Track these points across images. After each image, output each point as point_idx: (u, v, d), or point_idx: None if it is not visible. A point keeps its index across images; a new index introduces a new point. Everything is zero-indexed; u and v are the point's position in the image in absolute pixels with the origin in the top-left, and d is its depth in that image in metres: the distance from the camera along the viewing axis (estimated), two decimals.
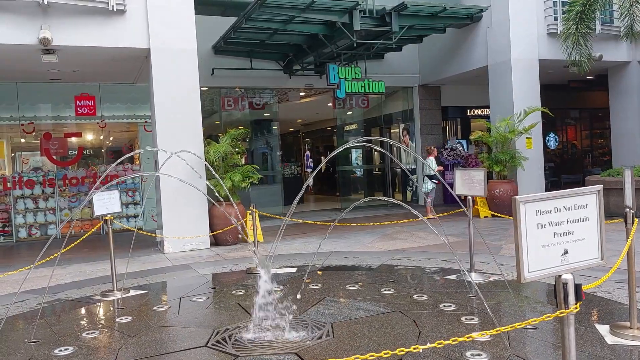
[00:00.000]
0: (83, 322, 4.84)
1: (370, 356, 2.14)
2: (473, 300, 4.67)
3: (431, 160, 11.56)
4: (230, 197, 6.02)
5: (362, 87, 11.64)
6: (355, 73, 11.49)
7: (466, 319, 4.11)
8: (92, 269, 7.46)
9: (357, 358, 2.13)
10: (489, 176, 10.78)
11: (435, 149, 12.04)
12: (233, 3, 11.05)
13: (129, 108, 12.70)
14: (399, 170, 15.60)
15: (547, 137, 15.94)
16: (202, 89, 9.55)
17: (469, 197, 5.60)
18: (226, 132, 9.65)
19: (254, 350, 3.60)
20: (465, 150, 14.54)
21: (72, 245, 6.57)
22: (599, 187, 2.15)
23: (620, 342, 3.44)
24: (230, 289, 5.66)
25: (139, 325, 4.47)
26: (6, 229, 11.53)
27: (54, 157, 12.29)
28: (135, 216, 12.31)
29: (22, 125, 11.95)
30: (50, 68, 9.62)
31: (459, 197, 5.49)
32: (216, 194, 5.51)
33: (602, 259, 2.16)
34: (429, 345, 2.33)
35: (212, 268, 7.11)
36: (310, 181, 4.65)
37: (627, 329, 3.55)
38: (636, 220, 3.65)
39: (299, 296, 4.81)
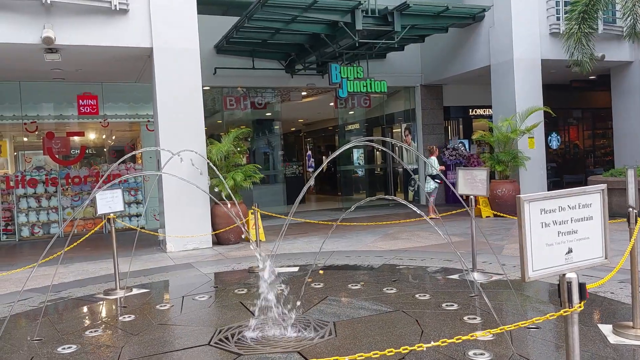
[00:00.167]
0: (86, 321, 4.85)
1: (374, 354, 2.15)
2: (475, 299, 4.67)
3: (433, 159, 11.56)
4: (232, 196, 6.03)
5: (364, 86, 11.64)
6: (358, 73, 11.49)
7: (469, 318, 4.11)
8: (95, 268, 7.47)
9: (361, 356, 2.14)
10: (491, 176, 10.78)
11: (436, 148, 12.04)
12: (235, 2, 11.06)
13: (132, 107, 12.72)
14: (400, 170, 15.59)
15: (550, 137, 15.93)
16: (204, 88, 9.56)
17: (472, 196, 5.60)
18: (228, 132, 9.67)
19: (256, 349, 3.61)
20: (468, 150, 14.53)
21: (75, 244, 6.58)
22: (603, 186, 2.15)
23: (623, 342, 3.44)
24: (232, 288, 5.67)
25: (142, 324, 4.48)
26: (9, 227, 11.55)
27: (57, 156, 12.31)
28: (138, 215, 12.33)
29: (25, 124, 11.97)
30: (53, 67, 9.64)
31: (461, 196, 5.49)
32: (217, 192, 5.52)
33: (606, 258, 2.16)
34: (432, 343, 2.33)
35: (215, 267, 7.12)
36: (312, 181, 4.65)
37: (630, 329, 3.55)
38: (639, 220, 3.64)
39: (301, 296, 4.81)
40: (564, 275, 2.03)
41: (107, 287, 5.92)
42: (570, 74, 12.47)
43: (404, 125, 15.50)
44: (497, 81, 12.10)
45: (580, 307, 2.01)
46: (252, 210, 7.47)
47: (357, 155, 17.09)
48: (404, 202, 4.45)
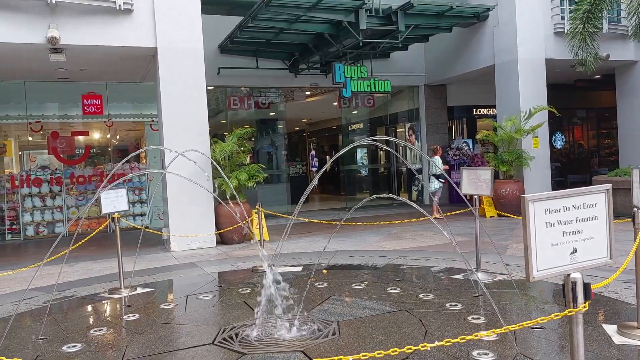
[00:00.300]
0: (91, 320, 4.87)
1: (378, 354, 2.15)
2: (479, 299, 4.67)
3: (437, 159, 11.55)
4: (236, 195, 6.04)
5: (367, 86, 11.63)
6: (361, 72, 11.48)
7: (473, 318, 4.11)
8: (100, 267, 7.50)
9: (365, 356, 2.14)
10: (495, 176, 10.76)
11: (440, 148, 12.03)
12: (239, 2, 11.07)
13: (136, 107, 12.76)
14: (404, 169, 15.58)
15: (554, 137, 15.88)
16: (208, 88, 9.58)
17: (475, 196, 5.59)
18: (232, 131, 9.68)
19: (260, 348, 3.62)
20: (471, 149, 14.51)
21: (79, 243, 6.61)
22: (608, 186, 2.14)
23: (628, 342, 3.43)
24: (236, 287, 5.68)
25: (146, 323, 4.49)
26: (14, 226, 11.60)
27: (61, 156, 12.36)
28: (142, 214, 12.36)
29: (30, 124, 12.02)
30: (58, 67, 9.68)
31: (465, 196, 5.49)
32: (221, 192, 5.53)
33: (610, 258, 2.16)
34: (437, 343, 2.33)
35: (218, 266, 7.13)
36: (315, 181, 4.65)
37: (634, 329, 3.54)
38: None
39: (304, 295, 4.82)
40: (569, 275, 2.03)
41: (111, 286, 5.94)
42: (575, 73, 12.43)
43: (407, 125, 15.48)
44: (501, 81, 12.08)
45: (584, 307, 2.00)
46: (255, 210, 7.48)
47: (361, 155, 17.09)
48: (406, 201, 4.45)
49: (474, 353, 3.32)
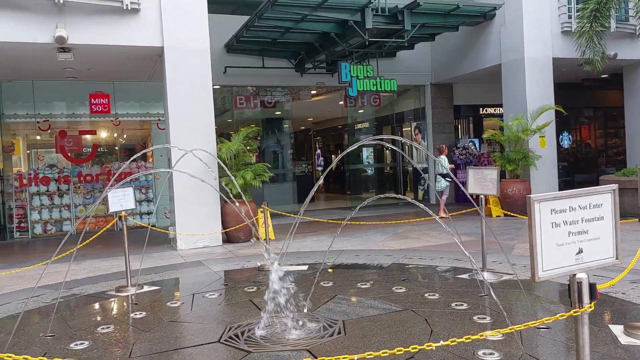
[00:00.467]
0: (98, 317, 4.91)
1: (383, 353, 2.16)
2: (485, 299, 4.66)
3: (443, 158, 11.52)
4: (242, 194, 6.06)
5: (373, 85, 11.63)
6: (367, 71, 11.48)
7: (478, 318, 4.10)
8: (107, 265, 7.55)
9: (370, 355, 2.15)
10: (502, 175, 10.73)
11: (446, 147, 12.00)
12: (245, 2, 11.10)
13: (143, 106, 12.82)
14: (410, 168, 15.56)
15: (561, 136, 15.81)
16: (214, 87, 9.60)
17: (482, 196, 5.58)
18: (238, 131, 9.71)
19: (266, 347, 3.63)
20: (478, 149, 14.47)
21: (87, 241, 6.65)
22: (615, 186, 2.14)
23: (635, 343, 3.42)
24: (242, 286, 5.70)
25: (153, 321, 4.52)
26: (22, 225, 11.69)
27: (69, 155, 12.44)
28: (149, 213, 12.42)
29: (38, 122, 12.11)
30: (66, 66, 9.74)
31: (472, 196, 5.48)
32: (228, 192, 5.55)
33: (617, 258, 2.15)
34: (442, 342, 2.33)
35: (224, 265, 7.16)
36: (321, 180, 4.67)
37: None
38: None
39: (310, 294, 4.83)
40: (575, 275, 2.03)
41: (118, 284, 5.98)
42: (582, 72, 12.36)
43: (413, 124, 15.46)
44: (508, 80, 12.03)
45: (590, 307, 2.00)
46: (261, 209, 7.50)
47: (367, 154, 17.08)
48: (412, 200, 4.45)
49: (480, 353, 3.32)
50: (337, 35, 10.81)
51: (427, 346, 2.24)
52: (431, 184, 13.83)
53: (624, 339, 3.48)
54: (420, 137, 15.03)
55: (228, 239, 9.16)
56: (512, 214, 8.98)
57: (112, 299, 5.51)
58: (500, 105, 12.81)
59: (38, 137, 13.33)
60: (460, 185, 5.14)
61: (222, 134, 11.53)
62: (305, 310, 4.20)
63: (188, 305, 5.03)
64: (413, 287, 5.29)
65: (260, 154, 14.46)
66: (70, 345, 3.94)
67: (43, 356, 3.75)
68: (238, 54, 12.33)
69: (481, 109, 15.46)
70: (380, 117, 16.30)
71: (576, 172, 17.12)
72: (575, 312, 2.00)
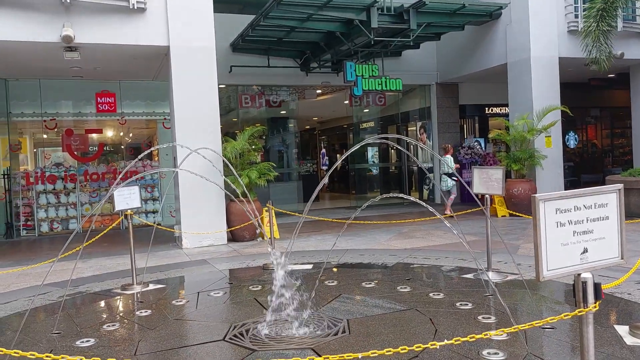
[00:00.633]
0: (104, 315, 4.93)
1: (387, 351, 2.16)
2: (490, 299, 4.66)
3: (449, 158, 11.49)
4: (247, 193, 6.08)
5: (379, 84, 11.62)
6: (373, 70, 11.47)
7: (483, 317, 4.10)
8: (113, 263, 7.58)
9: (374, 353, 2.15)
10: (507, 175, 10.70)
11: (451, 147, 11.97)
12: (251, 1, 11.14)
13: (148, 105, 12.86)
14: (415, 168, 15.53)
15: (567, 136, 15.75)
16: (220, 86, 9.64)
17: (487, 196, 5.57)
18: (243, 130, 9.72)
19: (270, 345, 3.64)
20: (483, 148, 14.43)
21: (93, 239, 6.69)
22: (620, 186, 2.13)
23: None
24: (247, 285, 5.72)
25: (158, 319, 4.54)
26: (29, 223, 11.76)
27: (75, 153, 12.51)
28: (154, 212, 12.47)
29: (45, 121, 12.18)
30: (72, 65, 9.79)
31: (477, 195, 5.47)
32: (235, 190, 5.56)
33: (622, 258, 2.15)
34: (446, 342, 2.34)
35: (229, 264, 7.18)
36: (326, 180, 4.67)
37: None
38: None
39: (314, 293, 4.84)
40: (579, 275, 2.03)
41: (124, 282, 6.00)
42: (589, 72, 12.31)
43: (419, 124, 15.43)
44: (514, 79, 11.99)
45: (595, 307, 2.00)
46: (266, 208, 7.51)
47: (372, 154, 17.06)
48: (416, 200, 4.45)
49: (484, 352, 3.32)
50: (343, 35, 10.81)
51: (432, 345, 2.25)
52: (436, 184, 13.81)
53: (629, 340, 3.47)
54: (426, 136, 15.00)
55: (233, 237, 9.18)
56: (517, 214, 8.95)
57: (118, 297, 5.54)
58: (506, 105, 12.77)
59: (45, 136, 13.40)
60: (466, 185, 5.13)
61: (228, 133, 11.55)
62: (309, 309, 4.20)
63: (193, 304, 5.05)
64: (418, 286, 5.29)
65: (266, 153, 14.48)
66: (77, 343, 3.96)
67: (49, 353, 3.77)
68: (243, 53, 12.36)
69: (487, 108, 15.42)
70: (386, 117, 16.28)
71: (582, 172, 17.04)
72: (580, 312, 2.00)
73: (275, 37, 11.50)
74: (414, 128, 15.76)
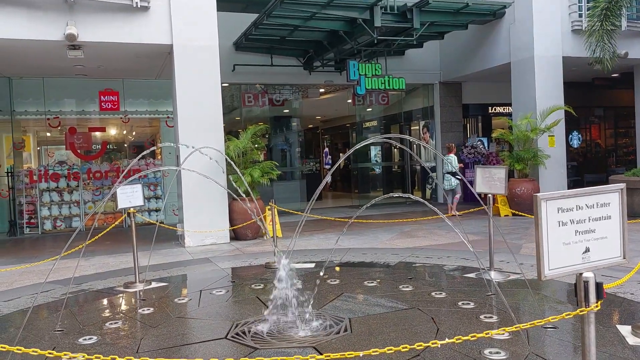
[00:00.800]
0: (106, 313, 4.95)
1: (388, 350, 2.16)
2: (492, 298, 4.65)
3: (453, 157, 11.47)
4: (250, 192, 6.08)
5: (382, 83, 11.61)
6: (376, 69, 11.46)
7: (485, 317, 4.10)
8: (115, 261, 7.60)
9: (375, 351, 2.16)
10: (510, 174, 10.67)
11: (455, 146, 11.95)
12: (254, 0, 11.11)
13: (152, 104, 12.88)
14: (418, 167, 15.52)
15: (570, 136, 15.69)
16: (223, 85, 9.63)
17: (490, 195, 5.57)
18: (246, 128, 9.73)
19: (272, 343, 3.65)
20: (486, 148, 14.40)
21: (95, 237, 6.71)
22: (622, 185, 2.13)
23: None
24: (249, 283, 5.72)
25: (161, 317, 4.56)
26: (32, 220, 11.80)
27: (79, 151, 12.53)
28: (157, 210, 12.49)
29: (48, 119, 12.21)
30: (76, 64, 9.82)
31: (479, 195, 5.46)
32: (237, 189, 5.56)
33: (624, 258, 2.14)
34: (447, 340, 2.34)
35: (232, 262, 7.19)
36: (328, 178, 4.67)
37: None
38: None
39: (316, 292, 4.84)
40: (581, 274, 2.02)
41: (126, 280, 6.02)
42: (593, 71, 12.26)
43: (422, 123, 15.41)
44: (518, 79, 11.96)
45: (597, 306, 2.00)
46: (269, 207, 7.52)
47: (375, 153, 17.04)
48: (419, 199, 4.44)
49: (486, 352, 3.32)
50: (346, 34, 10.80)
51: (433, 344, 2.25)
52: (439, 183, 13.79)
53: (631, 340, 3.46)
54: (429, 135, 14.98)
55: (236, 236, 9.19)
56: (520, 214, 8.94)
57: (121, 295, 5.55)
58: (510, 104, 12.74)
59: (48, 134, 13.43)
60: (468, 185, 5.13)
61: (231, 132, 11.56)
62: (311, 308, 4.21)
63: (195, 302, 5.06)
64: (420, 285, 5.28)
65: (269, 152, 14.49)
66: (79, 340, 3.98)
67: (52, 350, 3.79)
68: (247, 52, 12.36)
69: (490, 107, 15.38)
70: (389, 116, 16.26)
71: (586, 171, 16.99)
72: (581, 312, 2.00)
73: (278, 35, 11.50)
74: (417, 127, 15.74)
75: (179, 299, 5.21)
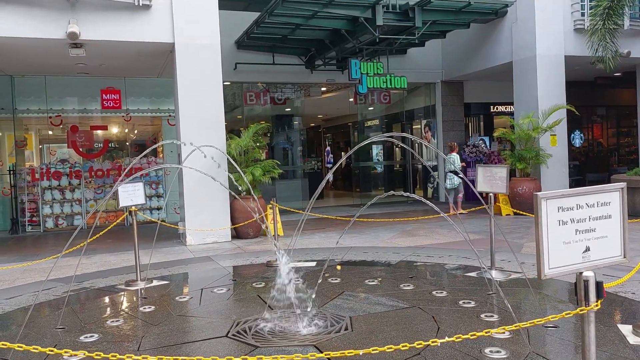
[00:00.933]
0: (107, 311, 4.96)
1: (388, 348, 2.17)
2: (493, 297, 4.65)
3: (456, 156, 11.45)
4: (251, 191, 6.08)
5: (384, 82, 11.60)
6: (377, 68, 11.45)
7: (486, 316, 4.10)
8: (117, 259, 7.62)
9: (375, 350, 2.16)
10: (512, 174, 10.66)
11: (457, 145, 11.94)
12: None
13: (153, 102, 12.89)
14: (420, 166, 15.51)
15: (572, 135, 15.66)
16: (224, 83, 9.64)
17: (491, 194, 5.56)
18: (248, 127, 9.74)
19: (273, 342, 3.65)
20: (488, 147, 14.39)
21: (97, 235, 6.72)
22: (623, 184, 2.13)
23: None
24: (250, 281, 5.73)
25: (162, 315, 4.56)
26: (34, 218, 11.83)
27: (81, 150, 12.55)
28: (159, 208, 12.51)
29: (50, 117, 12.22)
30: (78, 62, 9.82)
31: (481, 194, 5.46)
32: (238, 188, 5.57)
33: (624, 257, 2.14)
34: (447, 339, 2.34)
35: (233, 260, 7.20)
36: (330, 176, 4.68)
37: None
38: None
39: (317, 290, 4.84)
40: (581, 273, 2.02)
41: (128, 279, 6.03)
42: (595, 70, 12.23)
43: (423, 122, 15.40)
44: (520, 78, 11.94)
45: (597, 305, 1.99)
46: (270, 205, 7.52)
47: (376, 152, 17.04)
48: (420, 198, 4.44)
49: (487, 350, 3.32)
50: (348, 32, 10.79)
51: (432, 342, 2.25)
52: (440, 182, 13.78)
53: (632, 339, 3.46)
54: (430, 134, 14.97)
55: (237, 234, 9.20)
56: (522, 213, 8.93)
57: (122, 293, 5.56)
58: (511, 103, 12.72)
59: (50, 132, 13.46)
60: (470, 184, 5.12)
61: (232, 131, 11.56)
62: (312, 307, 4.21)
63: (196, 300, 5.07)
64: (421, 284, 5.29)
65: (270, 150, 14.49)
66: (80, 338, 3.99)
67: (53, 347, 3.80)
68: (248, 50, 12.36)
69: (492, 106, 15.36)
70: (390, 115, 16.25)
71: (588, 171, 16.95)
72: (581, 311, 2.00)
73: (280, 34, 11.50)
74: (419, 126, 15.73)
75: (180, 297, 5.22)
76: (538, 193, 1.95)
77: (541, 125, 10.86)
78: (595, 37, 10.37)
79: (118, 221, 11.70)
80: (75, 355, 3.43)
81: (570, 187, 12.33)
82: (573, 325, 3.79)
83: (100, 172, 12.32)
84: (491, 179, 5.55)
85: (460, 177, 11.40)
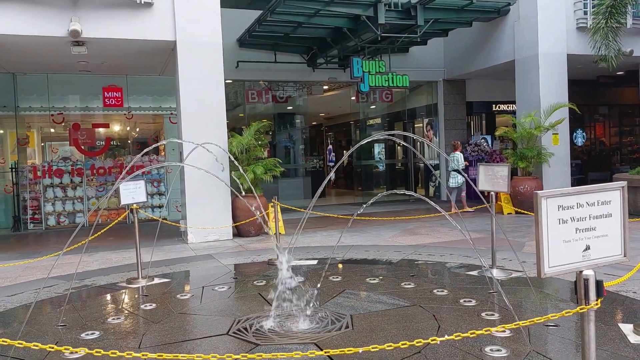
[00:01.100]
0: (109, 308, 4.97)
1: (388, 346, 2.17)
2: (494, 296, 4.65)
3: (460, 155, 11.42)
4: (253, 189, 6.09)
5: (385, 80, 11.59)
6: (379, 67, 11.44)
7: (486, 314, 4.10)
8: (118, 257, 7.63)
9: (375, 347, 2.16)
10: (514, 172, 10.64)
11: (460, 143, 11.92)
12: None
13: (155, 100, 12.91)
14: (421, 165, 15.50)
15: (575, 134, 15.64)
16: (226, 81, 9.64)
17: (492, 193, 5.55)
18: (250, 125, 9.74)
19: (274, 340, 3.66)
20: (490, 146, 14.37)
21: (98, 233, 6.73)
22: (623, 183, 2.12)
23: None
24: (251, 279, 5.74)
25: (163, 312, 4.57)
26: (36, 216, 11.85)
27: (83, 147, 12.57)
28: (160, 206, 12.52)
29: (52, 115, 12.24)
30: (79, 60, 9.83)
31: (482, 193, 5.45)
32: (240, 186, 5.57)
33: (624, 256, 2.14)
34: (446, 337, 2.34)
35: (234, 259, 7.20)
36: (332, 175, 4.68)
37: None
38: None
39: (318, 289, 4.84)
40: (581, 272, 2.02)
41: (129, 276, 6.04)
42: (597, 69, 12.21)
43: (425, 120, 15.38)
44: (522, 76, 11.92)
45: (597, 304, 1.99)
46: (272, 204, 7.52)
47: (378, 150, 17.03)
48: (421, 197, 4.44)
49: (487, 349, 3.32)
50: (350, 31, 10.78)
51: (432, 341, 2.25)
52: (442, 181, 13.77)
53: (633, 338, 3.46)
54: (432, 133, 14.95)
55: (238, 233, 9.21)
56: (523, 212, 8.90)
57: (123, 291, 5.57)
58: (514, 102, 12.70)
59: (52, 130, 13.49)
60: (471, 183, 5.12)
61: (234, 129, 11.56)
62: (313, 305, 4.21)
63: (198, 298, 5.07)
64: (422, 282, 5.29)
65: (272, 148, 14.48)
66: (82, 335, 4.00)
67: (54, 344, 3.81)
68: (250, 48, 12.36)
69: (494, 105, 15.34)
70: (392, 113, 16.24)
71: (590, 170, 16.92)
72: (581, 309, 2.00)
73: (282, 32, 11.49)
74: (421, 125, 15.71)
75: (181, 295, 5.23)
76: (538, 191, 1.95)
77: (543, 124, 10.85)
78: (597, 35, 10.33)
79: (120, 219, 11.70)
80: (76, 352, 3.43)
81: (572, 186, 12.30)
82: (574, 324, 3.79)
83: (102, 170, 12.34)
84: (492, 178, 5.54)
85: (463, 175, 11.38)
